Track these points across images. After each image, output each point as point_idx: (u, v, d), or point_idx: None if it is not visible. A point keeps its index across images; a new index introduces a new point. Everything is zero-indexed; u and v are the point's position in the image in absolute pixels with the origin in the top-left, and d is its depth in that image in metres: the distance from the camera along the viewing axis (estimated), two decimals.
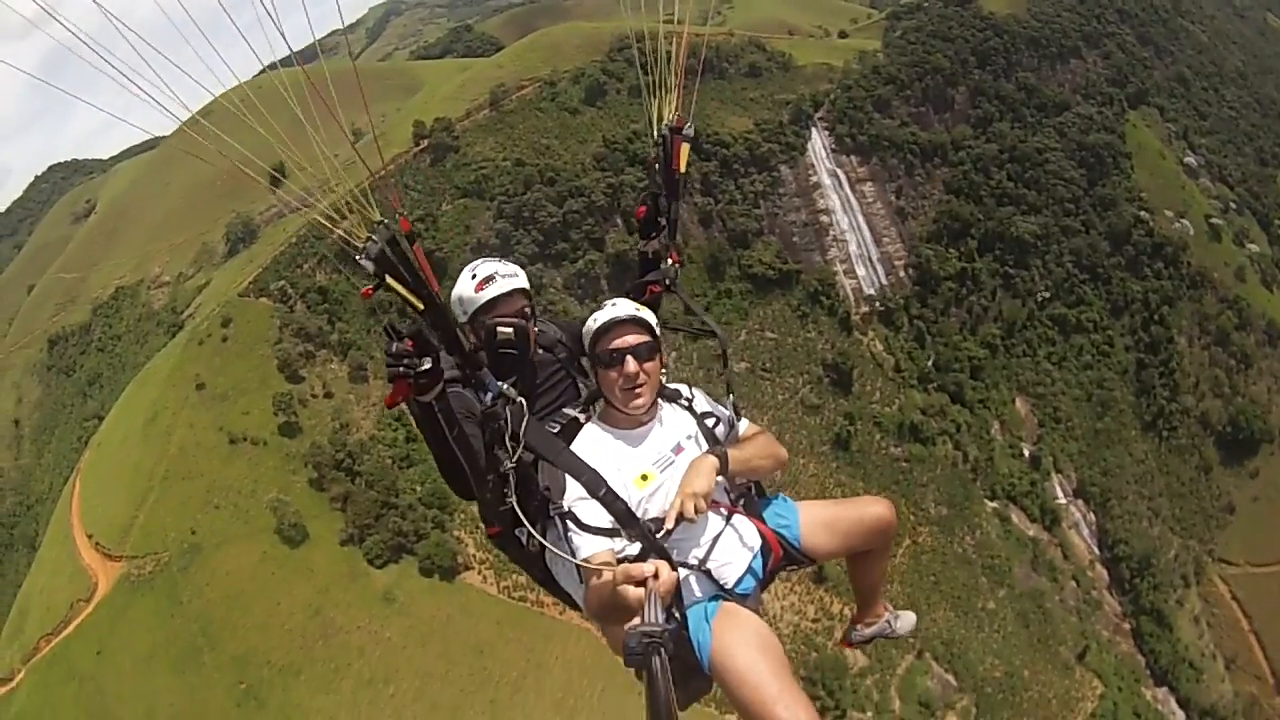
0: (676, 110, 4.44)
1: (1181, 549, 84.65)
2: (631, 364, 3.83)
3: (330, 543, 56.36)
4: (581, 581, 3.60)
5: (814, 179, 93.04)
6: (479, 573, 57.76)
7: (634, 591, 2.99)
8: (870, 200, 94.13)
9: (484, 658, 52.49)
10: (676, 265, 4.57)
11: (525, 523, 3.46)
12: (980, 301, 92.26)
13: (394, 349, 3.23)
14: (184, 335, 74.02)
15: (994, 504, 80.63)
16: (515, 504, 3.48)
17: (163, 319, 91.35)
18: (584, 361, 4.15)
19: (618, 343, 3.85)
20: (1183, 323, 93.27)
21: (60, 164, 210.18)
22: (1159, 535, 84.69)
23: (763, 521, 3.94)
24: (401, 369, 3.23)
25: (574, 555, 3.50)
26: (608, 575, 3.18)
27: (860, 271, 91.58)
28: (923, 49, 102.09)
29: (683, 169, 4.48)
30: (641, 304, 4.12)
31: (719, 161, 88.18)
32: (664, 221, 4.51)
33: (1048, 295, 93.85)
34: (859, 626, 4.69)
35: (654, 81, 4.32)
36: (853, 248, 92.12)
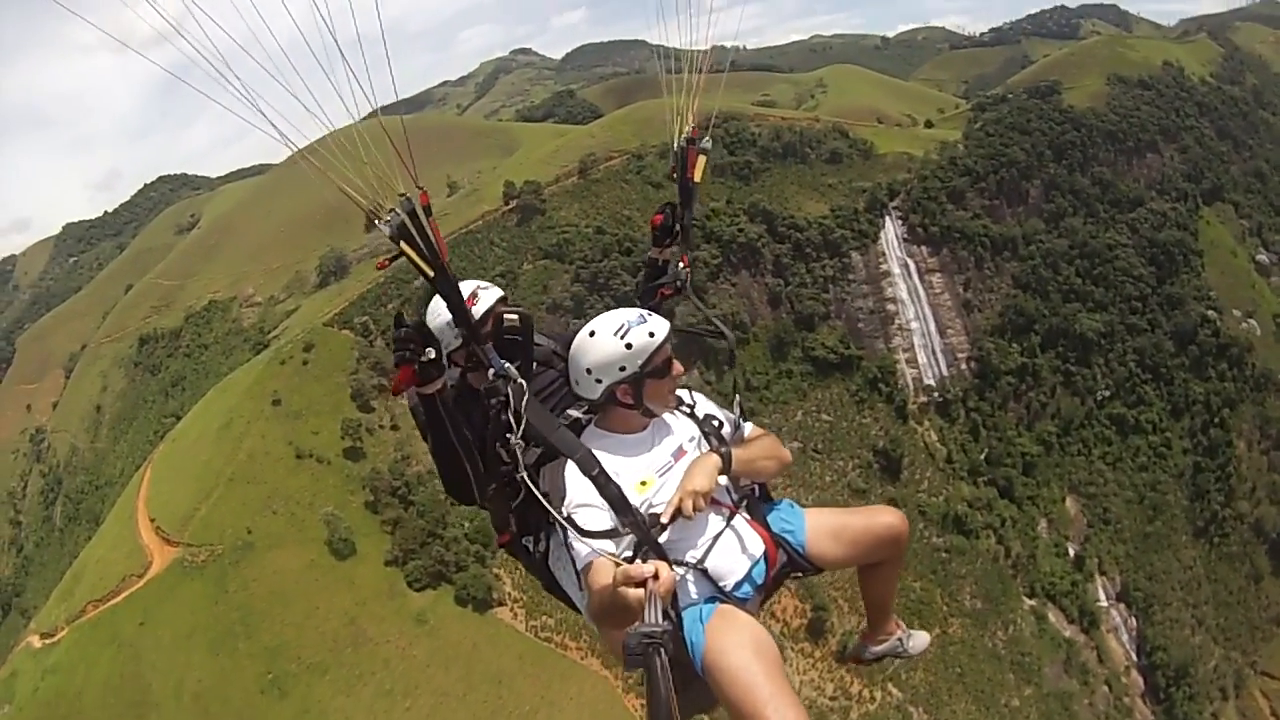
0: (693, 124, 4.66)
1: (1223, 660, 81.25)
2: (678, 365, 3.92)
3: (375, 561, 58.09)
4: (582, 587, 3.58)
5: (884, 267, 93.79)
6: (511, 609, 58.51)
7: (634, 592, 2.93)
8: (938, 291, 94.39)
9: (501, 687, 53.14)
10: (687, 269, 4.78)
11: (534, 489, 3.59)
12: (1039, 397, 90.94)
13: (402, 333, 3.42)
14: (268, 353, 77.17)
15: (1032, 601, 78.56)
16: (525, 477, 3.61)
17: (249, 336, 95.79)
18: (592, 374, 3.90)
19: (668, 351, 3.87)
20: (1243, 426, 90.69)
21: (169, 176, 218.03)
22: (1200, 644, 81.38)
23: (764, 526, 3.92)
24: (407, 354, 3.40)
25: (574, 562, 3.56)
26: (608, 577, 3.17)
27: (922, 361, 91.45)
28: (1000, 141, 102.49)
29: (697, 178, 4.69)
30: (649, 308, 4.28)
31: (792, 245, 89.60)
32: (678, 229, 4.71)
33: (1108, 394, 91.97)
34: (869, 644, 4.63)
35: (676, 98, 4.63)
36: (917, 338, 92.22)
